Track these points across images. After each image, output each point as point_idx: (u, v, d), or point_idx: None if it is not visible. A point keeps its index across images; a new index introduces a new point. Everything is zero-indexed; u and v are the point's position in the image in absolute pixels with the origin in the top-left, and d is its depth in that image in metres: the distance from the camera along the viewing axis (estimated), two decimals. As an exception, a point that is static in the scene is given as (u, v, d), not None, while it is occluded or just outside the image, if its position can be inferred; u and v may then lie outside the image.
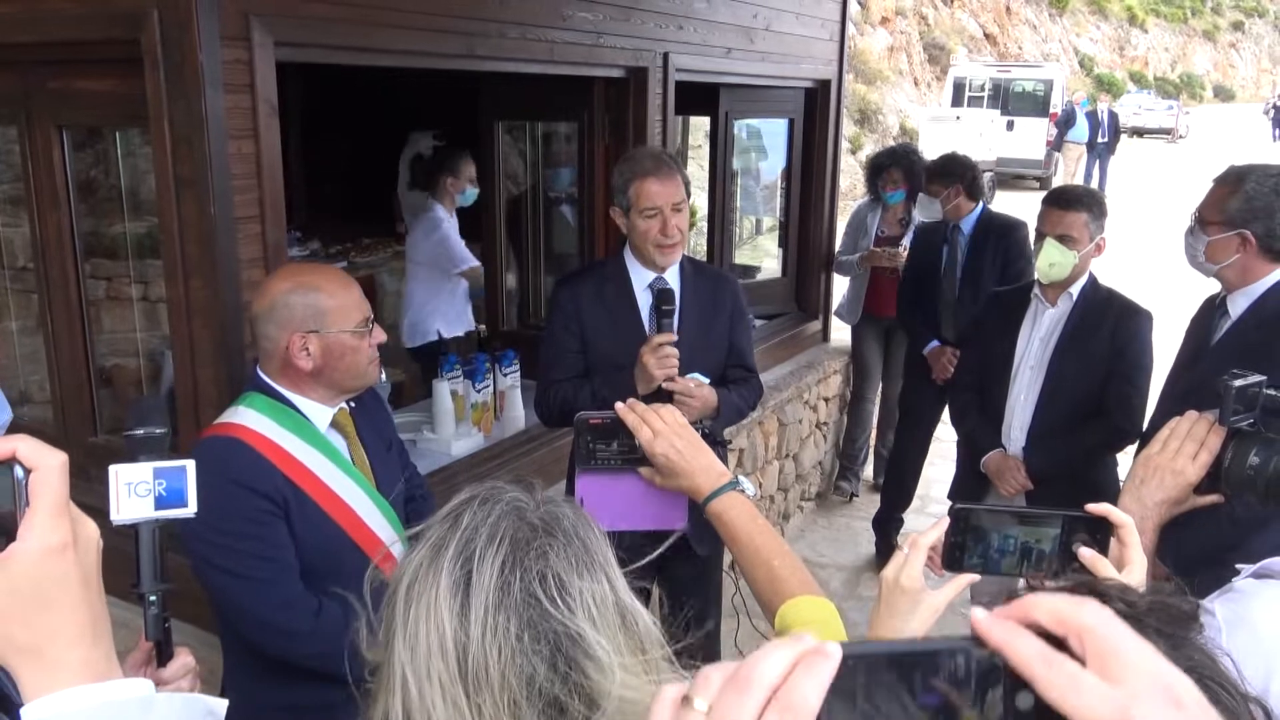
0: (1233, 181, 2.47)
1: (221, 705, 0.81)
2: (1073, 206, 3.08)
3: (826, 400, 5.54)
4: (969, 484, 3.41)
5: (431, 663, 0.88)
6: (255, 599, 1.88)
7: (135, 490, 1.22)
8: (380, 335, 2.05)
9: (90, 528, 0.77)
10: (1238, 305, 2.53)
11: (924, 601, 1.26)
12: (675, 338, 2.46)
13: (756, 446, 4.66)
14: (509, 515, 0.95)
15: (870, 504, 5.61)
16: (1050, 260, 3.07)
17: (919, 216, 4.83)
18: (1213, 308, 2.63)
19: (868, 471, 5.82)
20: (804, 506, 5.43)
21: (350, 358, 1.99)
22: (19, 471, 0.73)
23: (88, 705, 0.71)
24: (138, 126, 2.61)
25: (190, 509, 1.22)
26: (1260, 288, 2.48)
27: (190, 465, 1.24)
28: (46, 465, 0.73)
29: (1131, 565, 1.20)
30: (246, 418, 1.96)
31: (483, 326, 4.23)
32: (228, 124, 2.32)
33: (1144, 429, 2.84)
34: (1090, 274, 3.14)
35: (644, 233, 2.61)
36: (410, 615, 0.91)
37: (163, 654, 1.34)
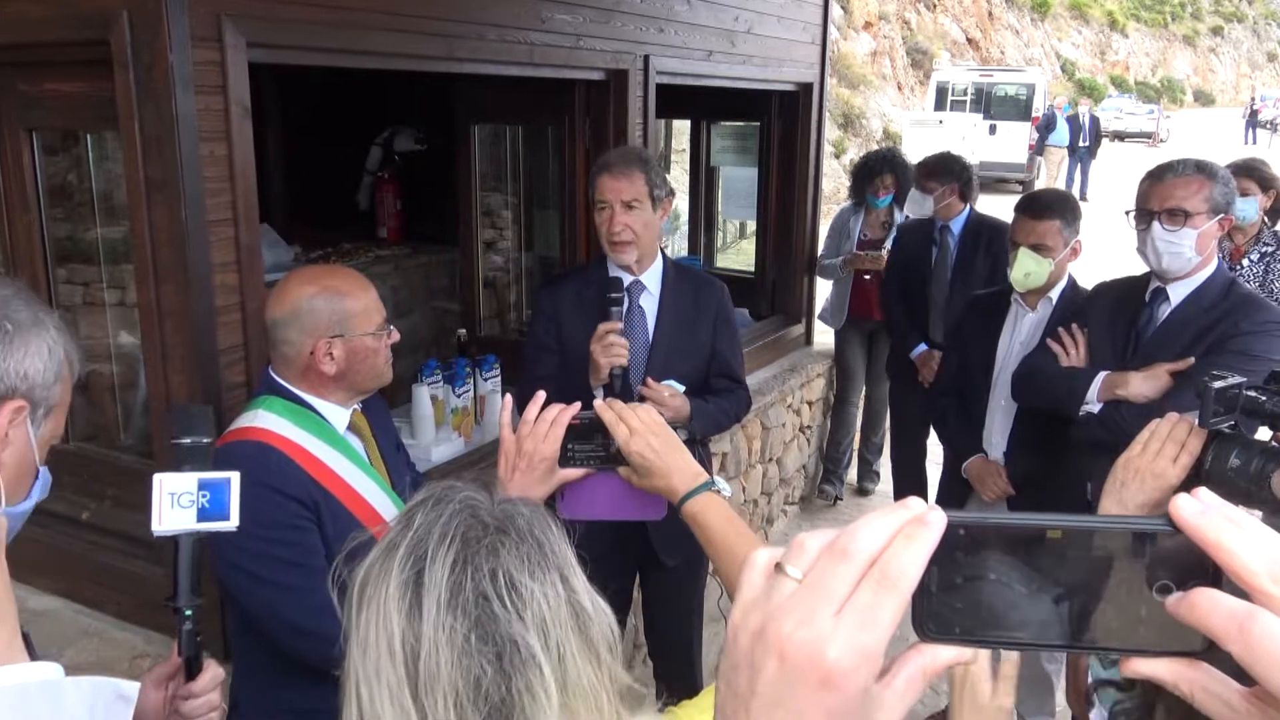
0: (1205, 173, 2.55)
1: (133, 688, 0.79)
2: (1044, 214, 3.06)
3: (810, 404, 5.53)
4: (952, 489, 3.40)
5: (380, 664, 0.87)
6: (291, 606, 1.84)
7: (179, 501, 1.22)
8: (395, 335, 2.04)
9: None
10: (1179, 292, 2.61)
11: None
12: (621, 326, 2.43)
13: (740, 450, 4.65)
14: (461, 514, 0.94)
15: (854, 507, 5.60)
16: (1025, 270, 3.06)
17: (908, 213, 4.76)
18: (1139, 299, 2.69)
19: (851, 475, 5.81)
20: (787, 511, 5.42)
21: (371, 360, 1.98)
22: None
23: None
24: (108, 129, 2.57)
25: (232, 523, 1.23)
26: (1203, 276, 2.58)
27: (235, 477, 1.24)
28: None
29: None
30: (268, 421, 1.92)
31: (462, 331, 4.19)
32: (199, 126, 2.28)
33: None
34: (1070, 277, 3.13)
35: (598, 227, 2.59)
36: (362, 618, 0.90)
37: (192, 669, 1.33)
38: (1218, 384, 1.49)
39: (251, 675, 2.07)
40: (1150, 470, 1.55)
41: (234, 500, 1.21)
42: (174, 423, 1.23)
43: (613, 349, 2.38)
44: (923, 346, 4.64)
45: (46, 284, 2.76)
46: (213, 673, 1.33)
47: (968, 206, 4.62)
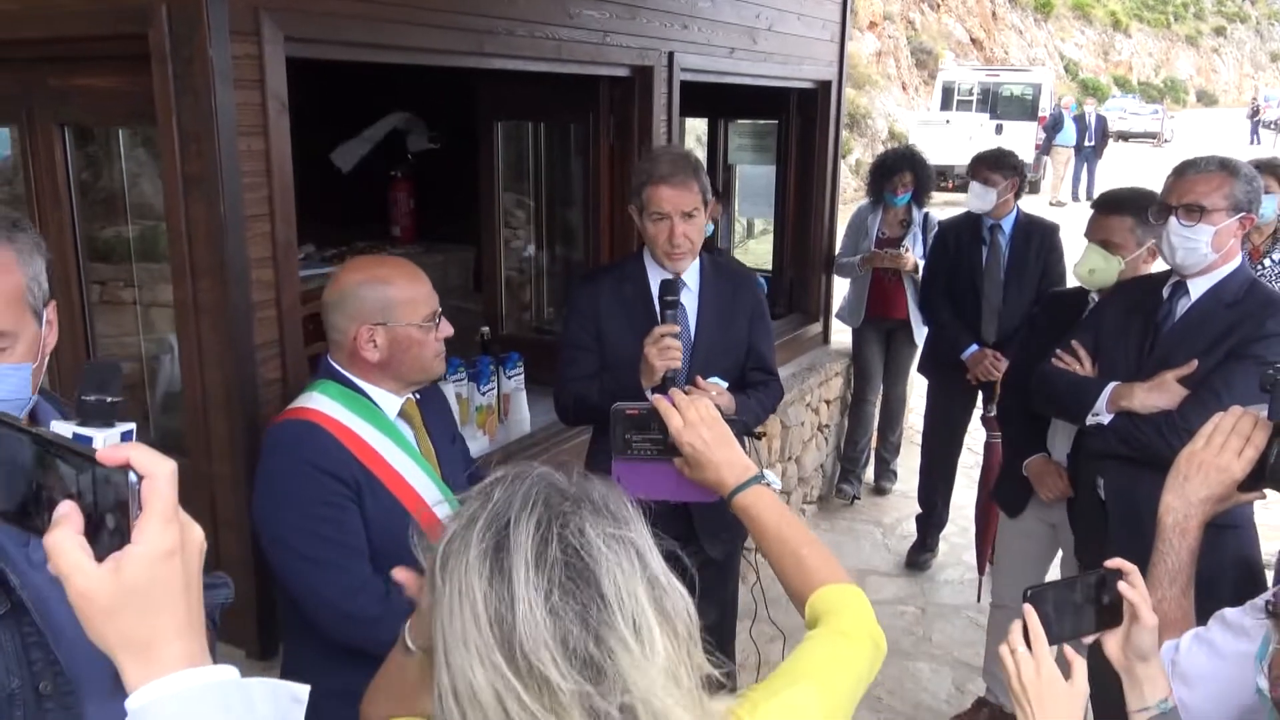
0: (1227, 170, 2.51)
1: (304, 691, 0.84)
2: (1115, 210, 3.00)
3: (828, 403, 5.52)
4: (1011, 488, 3.33)
5: (466, 630, 0.88)
6: (327, 584, 1.87)
7: None
8: (447, 329, 2.06)
9: (196, 532, 0.82)
10: (1199, 286, 2.57)
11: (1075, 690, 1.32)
12: (678, 329, 2.42)
13: (759, 449, 4.62)
14: (540, 483, 0.95)
15: (872, 506, 5.59)
16: (1090, 266, 3.00)
17: (968, 207, 4.59)
18: (1158, 294, 2.64)
19: (869, 474, 5.79)
20: (806, 510, 5.40)
21: (416, 351, 1.99)
22: (133, 477, 0.78)
23: (190, 687, 0.77)
24: (142, 124, 2.56)
25: None
26: (1223, 272, 2.54)
27: (99, 437, 1.26)
28: (158, 473, 0.78)
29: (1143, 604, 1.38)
30: (319, 403, 1.97)
31: (485, 329, 4.18)
32: (238, 121, 2.27)
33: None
34: None
35: (653, 237, 2.59)
36: (446, 590, 0.91)
37: None
38: (1287, 377, 1.47)
39: (295, 654, 2.10)
40: (1215, 464, 1.54)
41: None
42: (86, 378, 1.27)
43: (668, 351, 2.37)
44: (974, 347, 4.51)
45: (78, 280, 2.75)
46: None
47: (1016, 205, 4.56)
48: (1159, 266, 2.72)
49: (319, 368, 2.08)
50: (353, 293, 1.96)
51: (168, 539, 0.78)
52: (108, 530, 0.78)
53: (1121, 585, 1.38)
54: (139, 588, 0.77)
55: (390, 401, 2.04)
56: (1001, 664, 1.35)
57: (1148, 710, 1.37)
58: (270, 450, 1.95)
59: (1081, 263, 3.02)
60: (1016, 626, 1.35)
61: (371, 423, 1.99)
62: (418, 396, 2.12)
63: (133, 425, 1.31)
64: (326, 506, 1.88)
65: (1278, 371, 1.50)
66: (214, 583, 1.63)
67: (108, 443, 1.25)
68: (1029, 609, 1.34)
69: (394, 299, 1.96)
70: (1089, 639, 1.40)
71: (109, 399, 1.25)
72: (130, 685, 0.77)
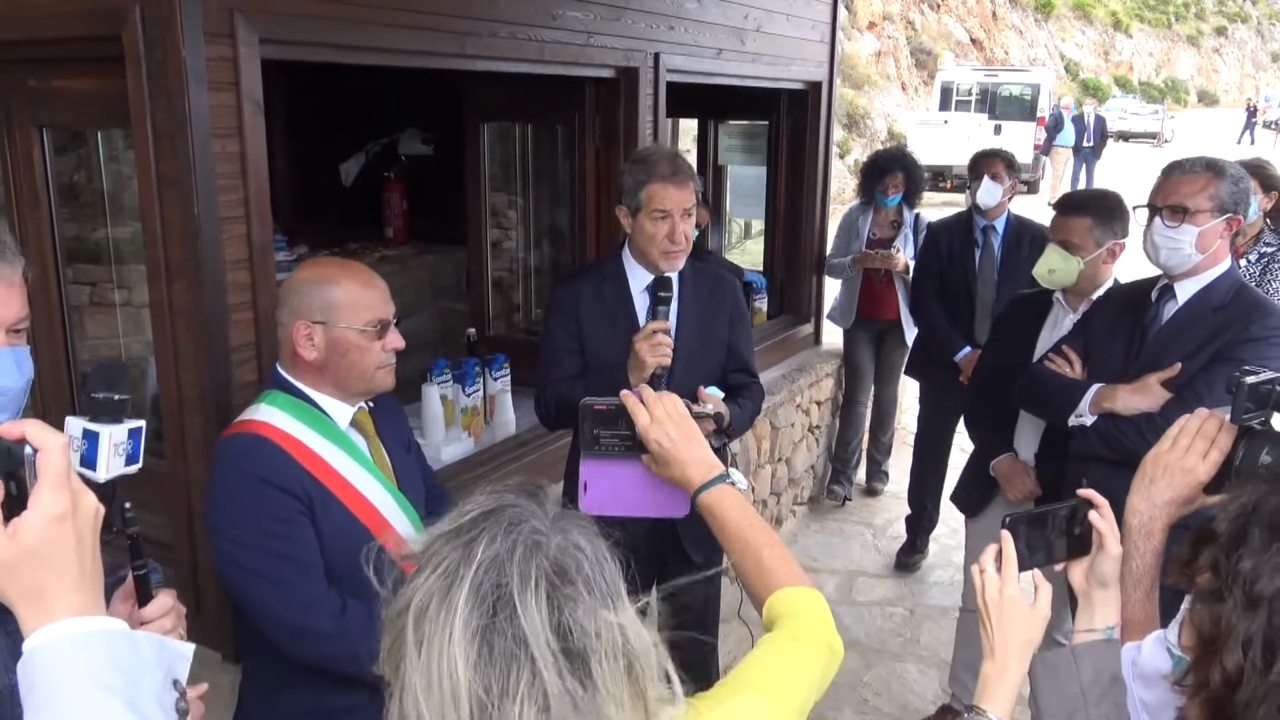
0: (1213, 171, 2.50)
1: (190, 649, 0.95)
2: (1075, 211, 3.02)
3: (819, 404, 5.51)
4: (976, 487, 3.33)
5: (445, 711, 0.85)
6: (280, 600, 1.83)
7: None
8: (396, 341, 1.99)
9: (89, 499, 0.91)
10: (1186, 290, 2.57)
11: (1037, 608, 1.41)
12: (669, 325, 2.43)
13: (749, 450, 4.62)
14: (531, 555, 0.90)
15: (863, 508, 5.58)
16: (1049, 265, 3.01)
17: (980, 202, 4.54)
18: (1147, 298, 2.65)
19: (860, 475, 5.79)
20: (796, 511, 5.40)
21: (355, 356, 1.93)
22: (28, 450, 0.87)
23: (79, 632, 0.85)
24: (118, 126, 2.56)
25: (98, 474, 1.33)
26: (1211, 275, 2.54)
27: (105, 432, 1.33)
28: (50, 445, 0.87)
29: (1110, 534, 1.48)
30: (267, 414, 1.92)
31: (471, 330, 4.18)
32: (212, 122, 2.26)
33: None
34: (1115, 280, 3.06)
35: (651, 236, 2.58)
36: (423, 654, 0.87)
37: (142, 594, 1.45)
38: (1250, 379, 1.46)
39: (256, 674, 2.06)
40: (1179, 466, 1.53)
41: (102, 454, 1.30)
42: (94, 378, 1.34)
43: (660, 348, 2.39)
44: (968, 348, 4.49)
45: (57, 281, 2.75)
46: (160, 602, 1.44)
47: (1007, 207, 4.58)
48: (1144, 268, 2.71)
49: (269, 378, 2.04)
50: (298, 289, 1.93)
51: (59, 504, 0.86)
52: (10, 496, 0.87)
53: (1092, 515, 1.48)
54: (33, 547, 0.86)
55: (340, 410, 1.99)
56: (970, 582, 1.42)
57: (1094, 632, 1.46)
58: (217, 465, 1.90)
59: (1041, 262, 3.04)
60: (990, 549, 1.42)
61: (322, 433, 1.94)
62: (370, 405, 2.07)
63: (142, 423, 1.33)
64: (276, 521, 1.84)
65: (1244, 374, 1.49)
66: None
67: (114, 438, 1.30)
68: (1005, 534, 1.42)
69: (336, 300, 1.91)
70: (1059, 567, 1.49)
71: (117, 396, 1.30)
72: (26, 631, 0.86)
